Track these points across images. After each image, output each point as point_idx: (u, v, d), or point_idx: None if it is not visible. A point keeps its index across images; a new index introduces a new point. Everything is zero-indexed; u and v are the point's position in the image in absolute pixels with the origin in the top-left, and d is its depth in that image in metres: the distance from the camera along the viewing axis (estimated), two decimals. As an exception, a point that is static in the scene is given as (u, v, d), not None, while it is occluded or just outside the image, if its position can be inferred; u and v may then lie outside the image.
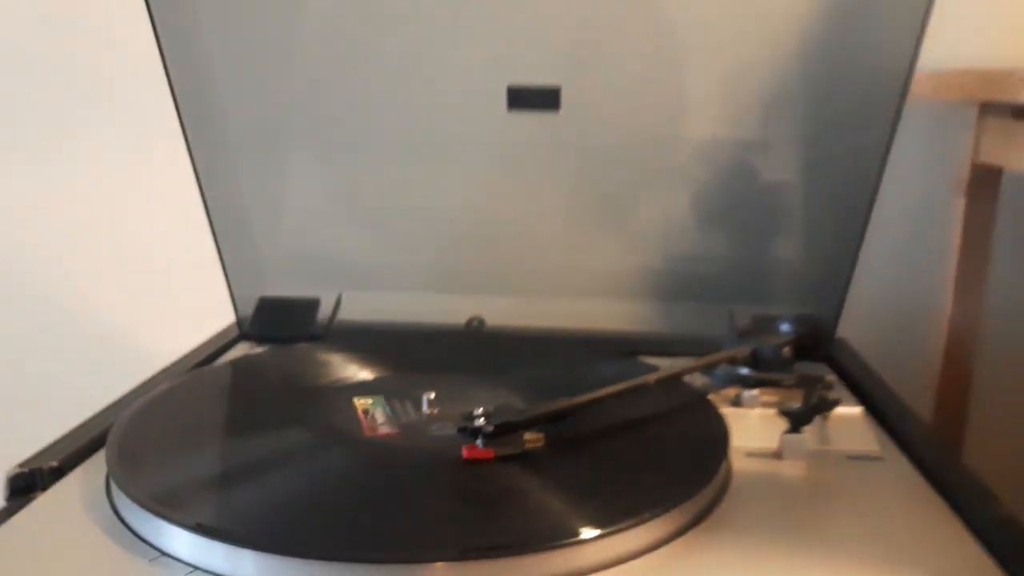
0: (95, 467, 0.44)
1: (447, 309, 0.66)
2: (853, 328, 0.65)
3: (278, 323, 0.65)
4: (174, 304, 0.81)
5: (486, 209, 0.64)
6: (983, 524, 0.39)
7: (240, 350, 0.64)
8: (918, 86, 0.67)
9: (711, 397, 0.51)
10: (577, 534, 0.35)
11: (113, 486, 0.40)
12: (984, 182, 0.64)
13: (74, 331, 0.83)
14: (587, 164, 0.62)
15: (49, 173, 0.81)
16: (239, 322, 0.66)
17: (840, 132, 0.57)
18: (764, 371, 0.52)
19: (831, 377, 0.57)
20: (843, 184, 0.58)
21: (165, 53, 0.59)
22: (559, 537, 0.35)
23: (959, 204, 0.64)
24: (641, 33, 0.58)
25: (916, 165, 0.71)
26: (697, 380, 0.53)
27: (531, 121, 0.58)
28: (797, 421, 0.46)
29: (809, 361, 0.59)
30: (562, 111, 0.57)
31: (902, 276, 0.74)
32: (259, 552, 0.34)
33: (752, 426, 0.48)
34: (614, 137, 0.61)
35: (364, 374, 0.54)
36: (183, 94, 0.61)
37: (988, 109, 0.60)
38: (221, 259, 0.64)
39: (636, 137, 0.61)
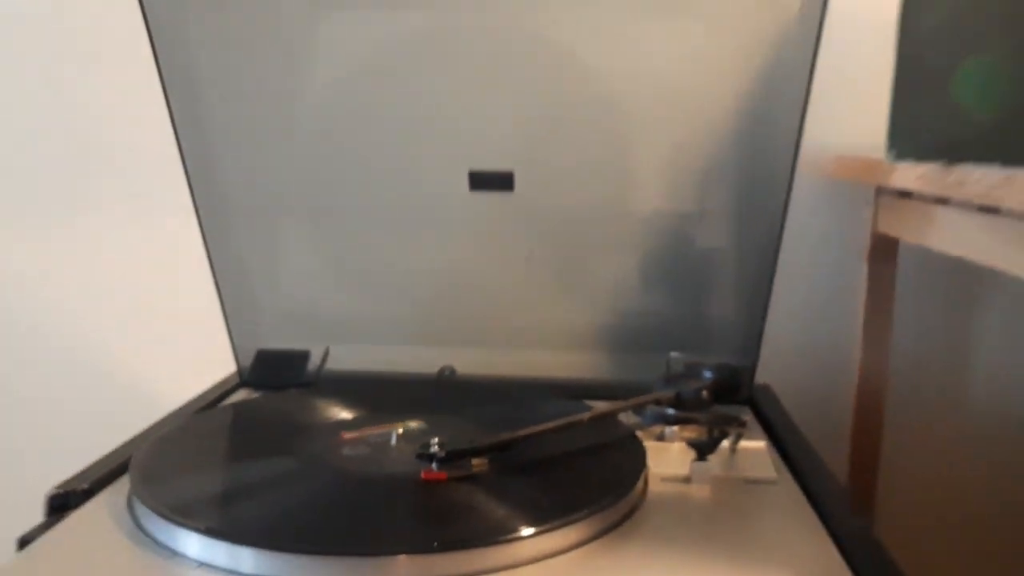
0: (118, 489, 0.52)
1: (422, 360, 0.74)
2: (779, 376, 0.74)
3: (273, 372, 0.74)
4: (183, 355, 0.89)
5: (454, 273, 0.73)
6: (844, 534, 0.48)
7: (241, 395, 0.72)
8: (826, 167, 0.77)
9: (640, 433, 0.60)
10: (516, 532, 0.44)
11: (135, 501, 0.48)
12: (884, 250, 0.73)
13: (95, 379, 0.90)
14: (542, 234, 0.72)
15: (74, 237, 0.90)
16: (240, 371, 0.74)
17: (748, 205, 0.67)
18: (685, 411, 0.61)
19: (747, 417, 0.66)
20: (754, 248, 0.68)
21: (179, 132, 0.69)
22: (501, 535, 0.44)
23: (864, 268, 0.74)
24: (584, 124, 0.68)
25: (827, 234, 0.81)
26: (631, 419, 0.62)
27: (491, 199, 0.68)
28: (702, 451, 0.55)
29: (733, 403, 0.68)
30: (517, 191, 0.67)
31: (820, 330, 0.83)
32: (256, 549, 0.43)
33: (671, 456, 0.57)
34: (564, 211, 0.70)
35: (346, 414, 0.63)
36: (194, 170, 0.70)
37: (881, 189, 0.70)
38: (225, 316, 0.72)
39: (583, 211, 0.71)
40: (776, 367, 0.77)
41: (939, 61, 0.46)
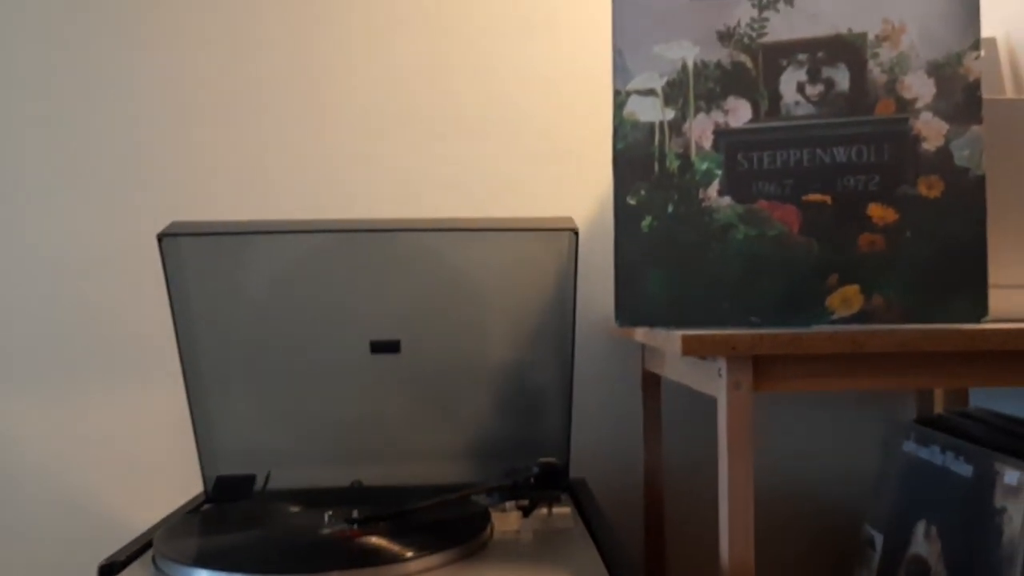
0: (144, 561, 0.79)
1: (337, 476, 1.04)
2: (592, 471, 1.07)
3: (229, 491, 1.01)
4: (167, 484, 1.15)
5: (361, 411, 1.04)
6: (607, 551, 0.79)
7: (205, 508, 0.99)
8: (616, 332, 1.13)
9: (491, 508, 0.91)
10: (405, 557, 0.73)
11: (160, 557, 0.76)
12: (651, 381, 1.09)
13: (99, 503, 1.15)
14: (423, 380, 1.04)
15: (87, 403, 1.16)
16: (206, 492, 1.02)
17: (554, 359, 1.02)
18: (517, 492, 0.92)
19: (564, 497, 0.98)
20: (559, 384, 1.02)
21: (180, 339, 0.98)
22: (398, 558, 0.73)
23: (639, 393, 1.08)
24: (448, 303, 1.02)
25: (619, 372, 1.17)
26: (485, 500, 0.93)
27: (385, 359, 1.00)
28: (525, 513, 0.86)
29: (557, 489, 0.99)
30: (403, 352, 1.00)
31: (621, 438, 1.17)
32: (241, 572, 0.71)
33: (508, 519, 0.88)
34: (436, 365, 1.03)
35: (295, 509, 0.91)
36: (186, 359, 1.00)
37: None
38: (199, 452, 1.00)
39: (450, 364, 1.04)
40: (590, 465, 1.10)
41: (637, 269, 0.82)
